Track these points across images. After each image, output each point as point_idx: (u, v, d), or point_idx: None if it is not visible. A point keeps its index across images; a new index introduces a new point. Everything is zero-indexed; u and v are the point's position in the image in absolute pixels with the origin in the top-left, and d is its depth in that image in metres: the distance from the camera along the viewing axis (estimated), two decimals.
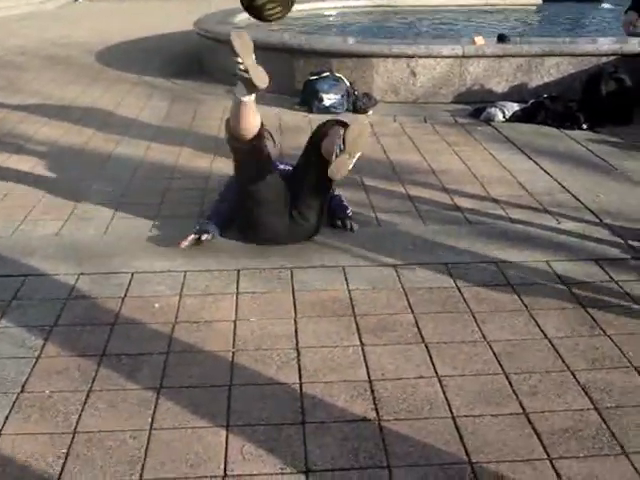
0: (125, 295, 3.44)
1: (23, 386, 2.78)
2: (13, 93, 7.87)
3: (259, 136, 3.79)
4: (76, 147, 5.82)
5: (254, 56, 3.59)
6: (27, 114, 6.89)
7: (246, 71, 3.53)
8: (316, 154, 3.77)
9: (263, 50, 7.46)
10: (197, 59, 9.15)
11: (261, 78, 3.54)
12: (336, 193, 4.31)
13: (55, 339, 3.10)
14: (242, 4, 3.57)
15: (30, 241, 4.05)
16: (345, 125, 3.68)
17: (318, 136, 3.82)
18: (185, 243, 3.89)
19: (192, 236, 3.91)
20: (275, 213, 3.87)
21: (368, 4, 11.60)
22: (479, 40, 7.10)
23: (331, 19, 11.20)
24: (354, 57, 7.09)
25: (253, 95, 3.67)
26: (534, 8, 11.76)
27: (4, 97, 7.67)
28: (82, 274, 3.65)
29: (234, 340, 3.06)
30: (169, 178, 5.06)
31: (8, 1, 15.53)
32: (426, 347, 3.00)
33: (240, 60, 3.52)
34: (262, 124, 3.80)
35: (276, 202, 3.87)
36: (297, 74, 7.14)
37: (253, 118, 3.74)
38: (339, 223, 4.16)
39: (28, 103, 7.33)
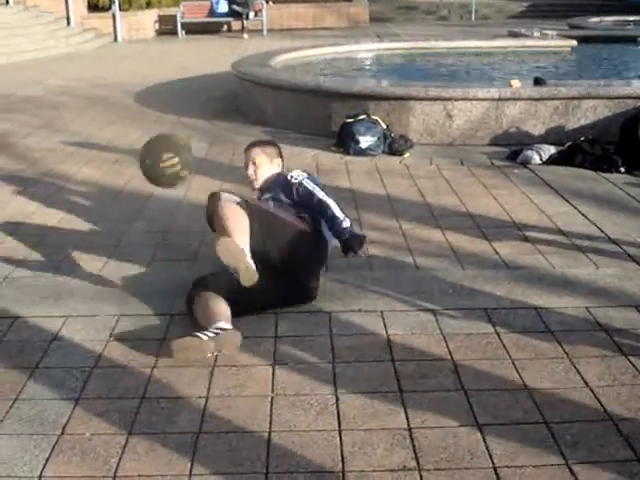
0: (164, 337, 3.46)
1: (64, 428, 2.80)
2: (53, 132, 8.03)
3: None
4: (116, 188, 5.91)
5: (245, 237, 3.58)
6: (67, 154, 7.02)
7: (236, 272, 3.48)
8: None
9: (299, 92, 7.72)
10: (234, 100, 9.27)
11: (249, 277, 3.45)
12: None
13: (95, 381, 3.12)
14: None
15: (70, 282, 4.10)
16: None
17: None
18: None
19: None
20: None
21: (404, 46, 11.72)
22: (515, 83, 7.12)
23: (367, 62, 11.31)
24: (390, 100, 7.14)
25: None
26: (569, 50, 11.77)
27: (45, 137, 7.83)
28: (122, 315, 3.69)
29: (273, 385, 3.07)
30: None
31: (47, 42, 15.90)
32: (466, 394, 2.97)
33: (232, 269, 3.50)
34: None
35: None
36: (334, 116, 7.20)
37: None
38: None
39: (68, 143, 7.47)
